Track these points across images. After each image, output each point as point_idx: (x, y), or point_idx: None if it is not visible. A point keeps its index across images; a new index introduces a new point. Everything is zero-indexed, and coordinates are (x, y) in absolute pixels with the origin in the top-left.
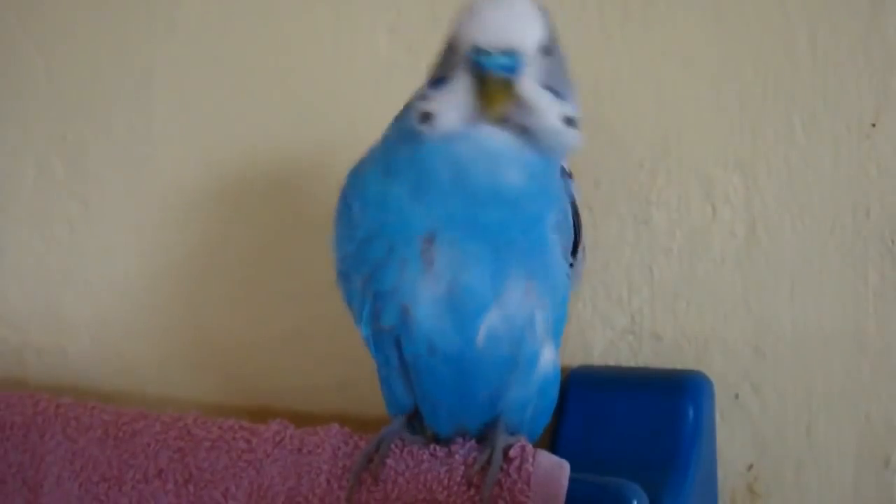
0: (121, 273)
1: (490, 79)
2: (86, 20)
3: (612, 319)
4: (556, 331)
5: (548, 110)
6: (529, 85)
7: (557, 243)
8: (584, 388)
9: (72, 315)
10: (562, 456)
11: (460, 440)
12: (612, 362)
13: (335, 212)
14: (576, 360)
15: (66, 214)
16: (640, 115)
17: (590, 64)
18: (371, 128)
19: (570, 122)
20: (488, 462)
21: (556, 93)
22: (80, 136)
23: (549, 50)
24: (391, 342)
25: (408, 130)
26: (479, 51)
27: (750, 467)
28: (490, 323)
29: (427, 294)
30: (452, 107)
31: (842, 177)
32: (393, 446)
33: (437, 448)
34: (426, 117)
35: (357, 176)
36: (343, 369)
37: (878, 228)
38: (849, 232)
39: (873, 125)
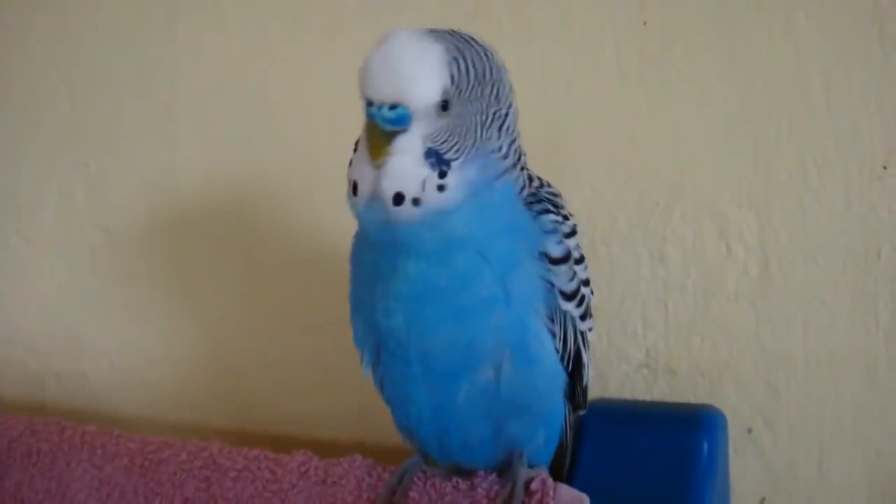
0: (141, 300)
1: (373, 130)
2: (109, 51)
3: (628, 354)
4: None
5: (394, 177)
6: (408, 143)
7: (522, 301)
8: (600, 422)
9: (92, 341)
10: (578, 488)
11: (482, 473)
12: (627, 396)
13: (350, 252)
14: (592, 393)
15: (87, 242)
16: (656, 155)
17: (607, 105)
18: None
19: (441, 188)
20: (510, 495)
21: (438, 156)
22: (103, 164)
23: (447, 105)
24: (380, 384)
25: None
26: (369, 101)
27: (762, 501)
28: (468, 387)
29: (407, 355)
30: (365, 172)
31: (854, 218)
32: (416, 479)
33: (460, 481)
34: (353, 188)
35: (356, 235)
36: (363, 398)
37: (889, 269)
38: (860, 272)
39: (885, 168)
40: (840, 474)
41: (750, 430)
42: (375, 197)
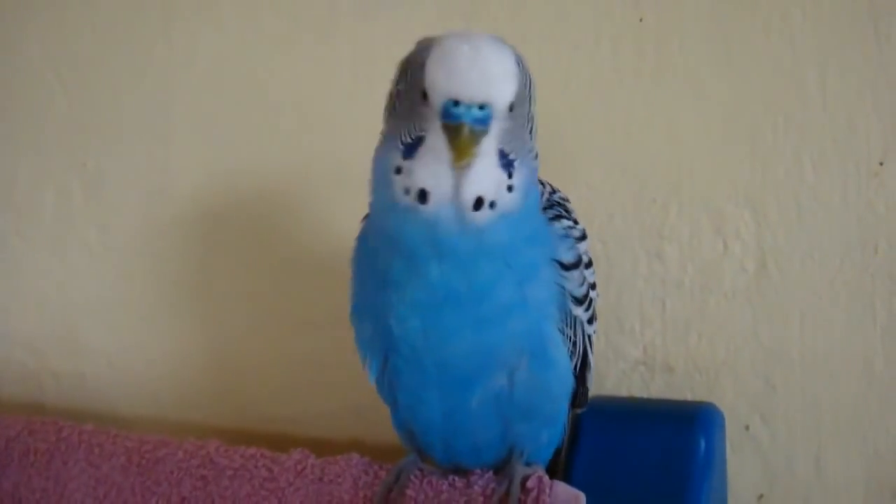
0: (139, 299)
1: (458, 130)
2: (106, 50)
3: (625, 351)
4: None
5: (476, 181)
6: (487, 144)
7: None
8: (597, 419)
9: (90, 340)
10: (575, 486)
11: (479, 471)
12: (624, 393)
13: (352, 253)
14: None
15: (85, 241)
16: (653, 151)
17: (603, 101)
18: None
19: (510, 188)
20: (506, 493)
21: (506, 157)
22: (100, 163)
23: (515, 106)
24: (388, 387)
25: (391, 202)
26: (455, 101)
27: (760, 497)
28: (482, 392)
29: (422, 361)
30: (441, 178)
31: (850, 214)
32: (412, 477)
33: (456, 479)
34: (423, 196)
35: (360, 237)
36: (360, 396)
37: (886, 265)
38: (857, 268)
39: (881, 164)
40: (837, 471)
41: (747, 427)
42: (455, 202)
